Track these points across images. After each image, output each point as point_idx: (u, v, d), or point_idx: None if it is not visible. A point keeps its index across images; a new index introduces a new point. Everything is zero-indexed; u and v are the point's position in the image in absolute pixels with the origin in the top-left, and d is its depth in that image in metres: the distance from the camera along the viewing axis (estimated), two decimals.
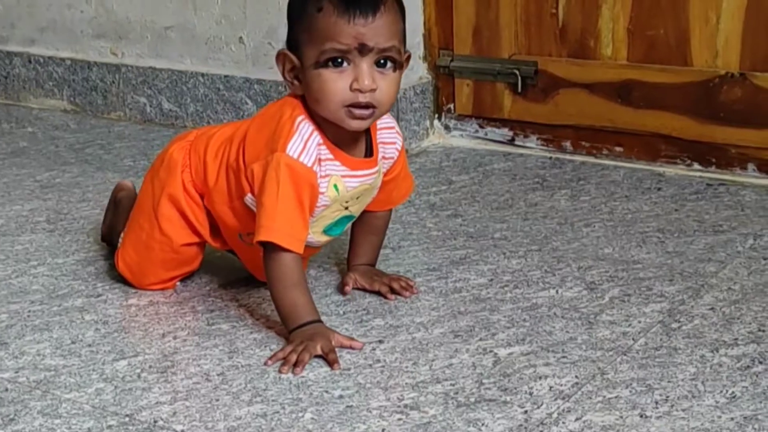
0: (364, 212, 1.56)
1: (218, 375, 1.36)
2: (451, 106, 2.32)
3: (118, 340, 1.47)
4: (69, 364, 1.41)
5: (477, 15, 2.24)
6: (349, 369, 1.36)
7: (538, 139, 2.24)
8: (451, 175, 2.14)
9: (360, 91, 1.39)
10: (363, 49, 1.38)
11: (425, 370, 1.35)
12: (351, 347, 1.41)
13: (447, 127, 2.34)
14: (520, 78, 2.21)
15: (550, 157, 2.21)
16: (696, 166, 2.08)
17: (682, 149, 2.09)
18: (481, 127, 2.30)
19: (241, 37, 2.43)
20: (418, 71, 2.32)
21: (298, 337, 1.40)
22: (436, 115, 2.35)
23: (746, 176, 2.03)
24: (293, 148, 1.41)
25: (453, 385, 1.32)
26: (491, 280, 1.62)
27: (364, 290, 1.58)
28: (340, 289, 1.59)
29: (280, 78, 2.35)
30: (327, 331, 1.41)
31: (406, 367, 1.37)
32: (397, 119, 2.24)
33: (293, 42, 1.44)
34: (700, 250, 1.71)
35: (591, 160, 2.17)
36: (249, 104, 2.43)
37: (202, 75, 2.49)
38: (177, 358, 1.41)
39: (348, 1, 1.37)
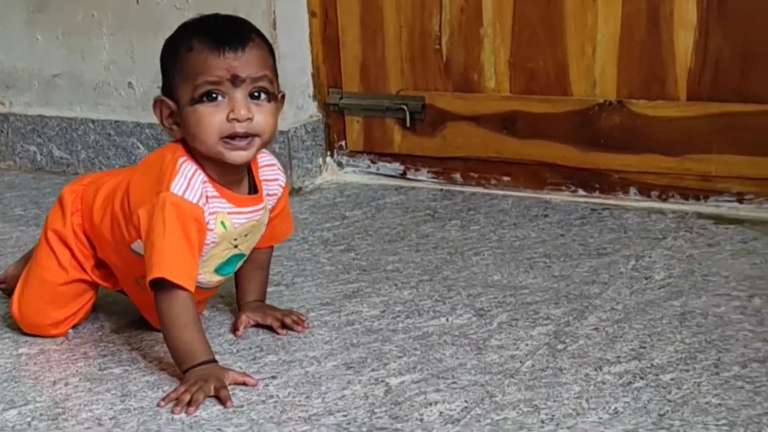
0: None
1: (110, 419, 1.36)
2: (343, 142, 2.35)
3: (8, 390, 1.45)
4: None
5: (363, 53, 2.28)
6: (242, 406, 1.37)
7: (428, 171, 2.28)
8: (344, 210, 2.16)
9: (237, 120, 1.41)
10: (236, 80, 1.41)
11: (318, 403, 1.37)
12: (245, 384, 1.42)
13: (339, 164, 2.37)
14: (408, 113, 2.25)
15: (441, 189, 2.25)
16: (581, 192, 2.15)
17: (567, 176, 2.15)
18: (373, 162, 2.33)
19: (130, 82, 2.43)
20: (308, 110, 2.35)
21: (192, 377, 1.40)
22: (329, 152, 2.37)
23: (628, 200, 2.10)
24: (177, 186, 1.42)
25: (345, 416, 1.33)
26: (383, 311, 1.65)
27: (258, 325, 1.59)
28: (233, 331, 1.59)
29: None
30: (221, 370, 1.42)
31: (299, 401, 1.38)
32: (290, 157, 2.26)
33: (168, 87, 1.46)
34: (585, 272, 1.76)
35: (480, 190, 2.22)
36: (141, 149, 2.43)
37: (92, 121, 2.48)
38: (68, 405, 1.40)
39: (216, 38, 1.41)
